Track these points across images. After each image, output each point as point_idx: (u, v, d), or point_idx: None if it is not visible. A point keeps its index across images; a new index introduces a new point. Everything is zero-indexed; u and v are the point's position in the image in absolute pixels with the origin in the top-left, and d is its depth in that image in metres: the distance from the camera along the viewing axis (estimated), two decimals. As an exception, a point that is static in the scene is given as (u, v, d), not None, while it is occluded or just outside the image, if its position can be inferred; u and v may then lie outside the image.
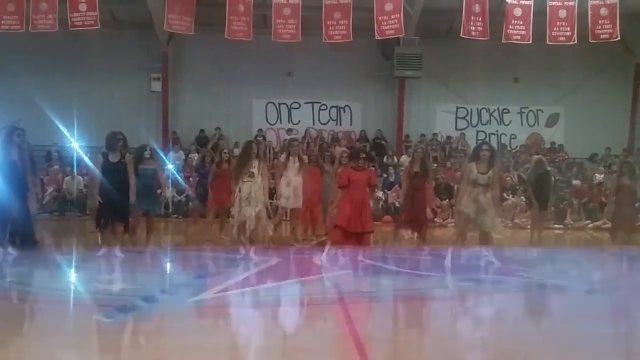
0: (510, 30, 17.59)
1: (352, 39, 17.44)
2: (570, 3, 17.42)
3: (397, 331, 5.17)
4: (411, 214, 9.61)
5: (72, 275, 7.23)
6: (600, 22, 17.51)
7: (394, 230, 10.06)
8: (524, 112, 21.31)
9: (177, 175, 16.52)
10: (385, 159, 19.24)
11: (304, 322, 5.30)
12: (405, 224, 9.85)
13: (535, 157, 13.22)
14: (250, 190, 8.12)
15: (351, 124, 20.98)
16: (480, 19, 17.44)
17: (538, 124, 21.34)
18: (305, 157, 10.51)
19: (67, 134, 17.16)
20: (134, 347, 4.30)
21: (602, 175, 18.21)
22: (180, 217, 16.34)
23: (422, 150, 10.51)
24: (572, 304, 6.29)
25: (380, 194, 16.83)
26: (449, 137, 20.69)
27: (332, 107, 20.97)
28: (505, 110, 21.25)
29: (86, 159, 16.51)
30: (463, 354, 4.32)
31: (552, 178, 13.54)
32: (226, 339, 4.59)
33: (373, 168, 11.73)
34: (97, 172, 8.08)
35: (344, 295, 6.20)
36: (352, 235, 8.18)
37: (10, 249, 7.83)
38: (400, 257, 9.13)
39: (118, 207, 8.04)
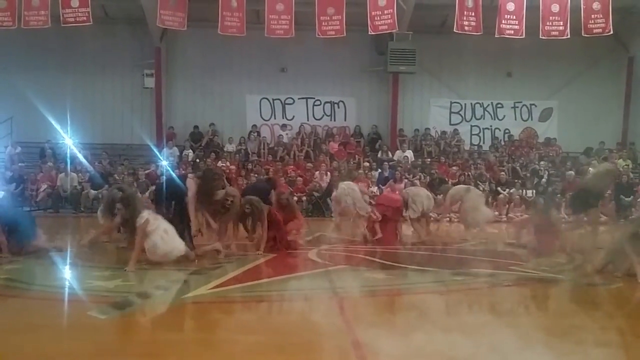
0: (503, 25, 17.64)
1: (345, 35, 17.45)
2: (562, -2, 17.50)
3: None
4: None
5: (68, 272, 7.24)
6: (593, 16, 17.59)
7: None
8: (517, 107, 21.38)
9: (172, 172, 16.45)
10: (379, 154, 19.27)
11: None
12: None
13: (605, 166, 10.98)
14: None
15: (345, 119, 20.98)
16: (473, 14, 17.50)
17: (532, 119, 21.43)
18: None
19: (61, 131, 17.14)
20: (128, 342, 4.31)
21: (596, 169, 18.26)
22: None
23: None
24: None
25: (375, 189, 16.85)
26: (443, 132, 20.74)
27: (326, 102, 20.97)
28: (498, 105, 21.31)
29: (80, 156, 16.52)
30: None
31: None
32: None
33: None
34: None
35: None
36: None
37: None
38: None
39: None
